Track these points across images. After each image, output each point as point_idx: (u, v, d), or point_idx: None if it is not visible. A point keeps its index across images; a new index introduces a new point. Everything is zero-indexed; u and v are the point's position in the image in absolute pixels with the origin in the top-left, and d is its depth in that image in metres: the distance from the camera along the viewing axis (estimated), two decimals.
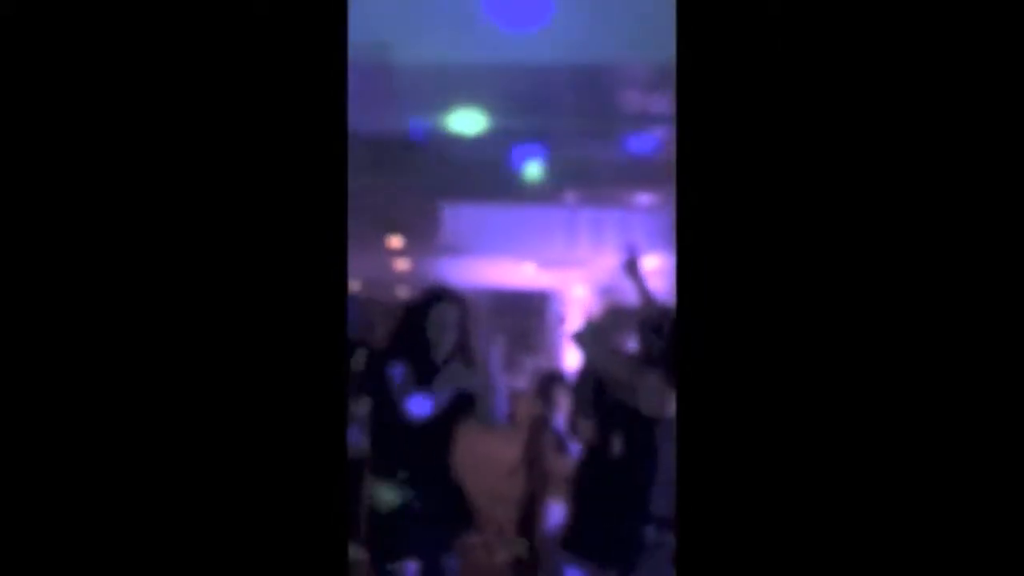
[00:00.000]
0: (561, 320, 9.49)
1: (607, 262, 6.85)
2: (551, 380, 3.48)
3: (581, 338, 2.58)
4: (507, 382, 2.44)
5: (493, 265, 8.41)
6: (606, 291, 8.55)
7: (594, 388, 2.51)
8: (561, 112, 4.25)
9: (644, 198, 6.26)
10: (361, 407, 2.88)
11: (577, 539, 2.44)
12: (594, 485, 2.48)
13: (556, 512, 3.15)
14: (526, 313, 9.95)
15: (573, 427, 2.81)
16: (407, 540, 2.35)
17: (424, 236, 7.13)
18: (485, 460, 3.53)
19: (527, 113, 4.26)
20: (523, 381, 6.77)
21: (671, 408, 2.28)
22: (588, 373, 2.56)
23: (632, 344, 2.53)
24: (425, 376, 2.32)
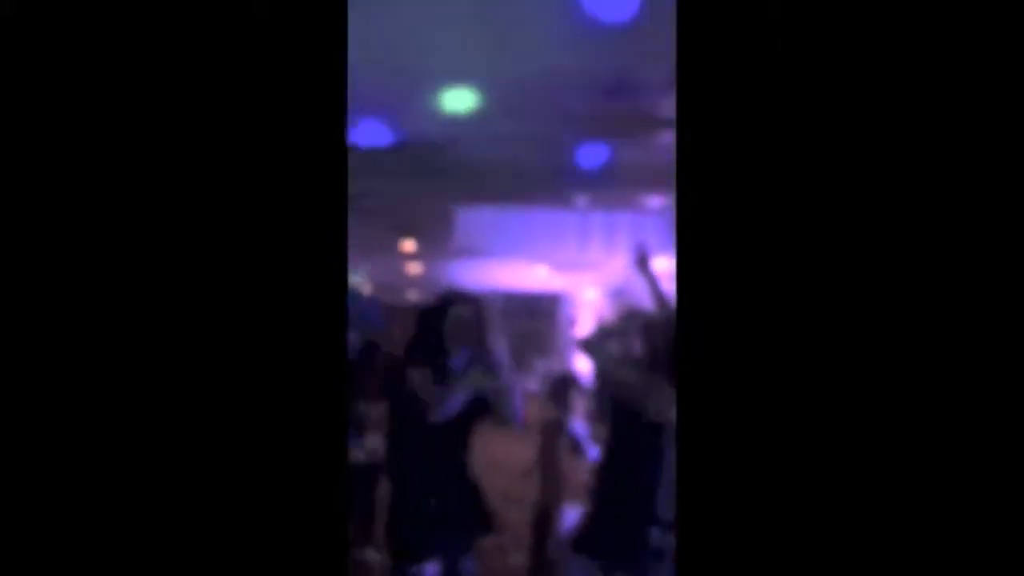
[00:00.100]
0: (572, 322, 9.49)
1: (618, 265, 6.86)
2: (565, 383, 3.50)
3: (587, 345, 2.60)
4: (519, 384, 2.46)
5: (505, 268, 8.42)
6: (617, 293, 8.54)
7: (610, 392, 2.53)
8: (569, 116, 4.26)
9: (655, 201, 6.26)
10: (379, 410, 2.91)
11: (587, 541, 2.46)
12: (603, 488, 2.50)
13: (571, 515, 3.16)
14: (537, 315, 9.96)
15: (592, 431, 2.83)
16: (425, 542, 2.36)
17: (437, 239, 7.15)
18: (499, 462, 3.55)
19: (535, 116, 4.27)
20: (534, 383, 6.79)
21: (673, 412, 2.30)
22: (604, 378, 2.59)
23: (639, 349, 2.54)
24: (443, 378, 2.34)
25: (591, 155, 4.54)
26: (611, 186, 5.54)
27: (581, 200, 6.27)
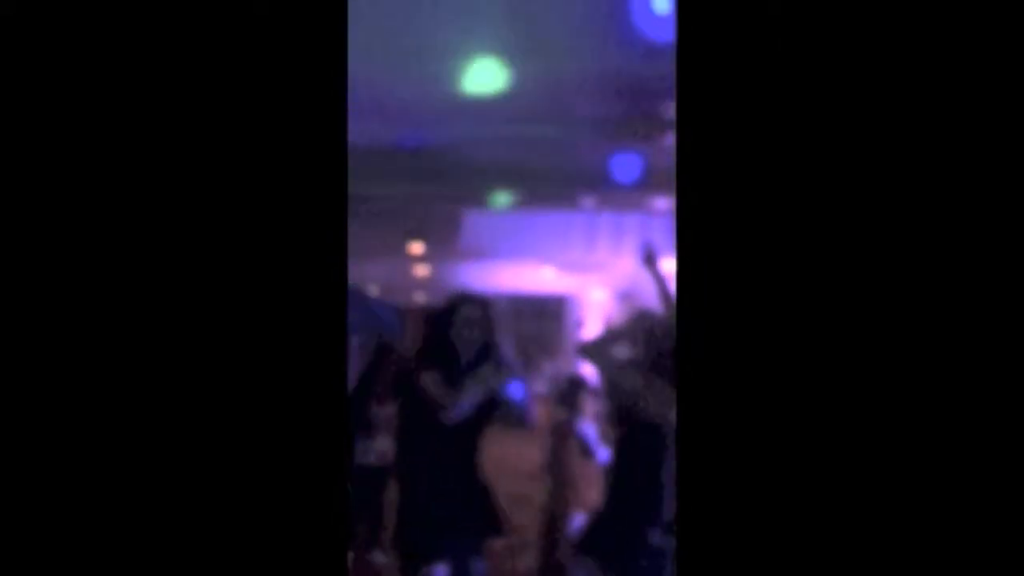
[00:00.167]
0: (580, 324, 9.49)
1: (626, 266, 6.85)
2: (574, 385, 3.50)
3: (587, 351, 2.61)
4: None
5: (512, 269, 8.43)
6: (625, 295, 8.54)
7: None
8: (578, 118, 4.26)
9: (662, 203, 6.25)
10: (389, 412, 2.92)
11: (591, 543, 2.47)
12: (607, 490, 2.50)
13: (580, 517, 3.16)
14: (545, 317, 9.96)
15: (603, 433, 2.83)
16: (434, 544, 2.37)
17: (444, 241, 7.16)
18: (508, 464, 3.55)
19: (545, 119, 4.28)
20: (542, 385, 6.79)
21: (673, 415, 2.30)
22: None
23: (640, 352, 2.54)
24: (453, 380, 2.35)
25: (626, 166, 4.47)
26: (618, 188, 5.54)
27: (588, 201, 6.27)
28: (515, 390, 2.35)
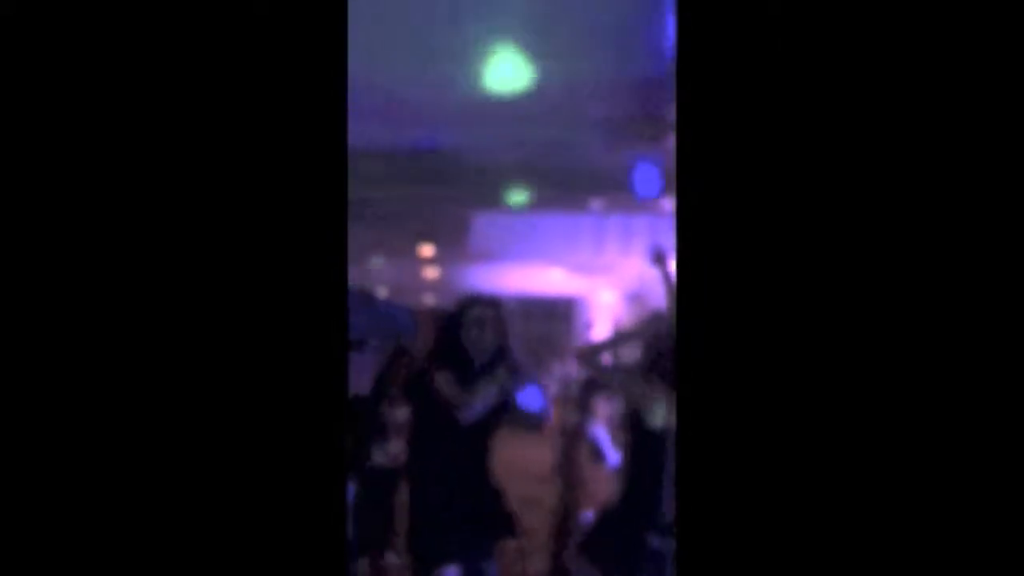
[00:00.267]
0: (589, 326, 9.49)
1: (634, 268, 6.85)
2: (586, 388, 3.51)
3: (582, 357, 2.62)
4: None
5: (522, 271, 8.44)
6: (633, 296, 8.54)
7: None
8: (589, 120, 4.27)
9: (671, 204, 6.24)
10: (401, 414, 2.93)
11: (592, 546, 2.48)
12: (611, 493, 2.52)
13: (590, 520, 3.17)
14: (554, 319, 9.97)
15: (615, 437, 2.84)
16: (446, 545, 2.38)
17: (454, 244, 7.18)
18: (519, 466, 3.56)
19: (554, 121, 4.28)
20: (552, 387, 6.79)
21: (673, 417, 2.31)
22: None
23: (639, 356, 2.55)
24: (466, 381, 2.36)
25: (648, 181, 4.40)
26: (627, 189, 5.54)
27: (597, 203, 6.28)
28: (533, 395, 2.36)
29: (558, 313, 10.14)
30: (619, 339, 2.67)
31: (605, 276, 8.45)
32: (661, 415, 2.30)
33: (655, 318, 2.57)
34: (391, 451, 3.28)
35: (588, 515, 3.22)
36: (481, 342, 2.39)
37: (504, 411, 2.39)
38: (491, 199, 6.00)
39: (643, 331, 2.56)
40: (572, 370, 7.55)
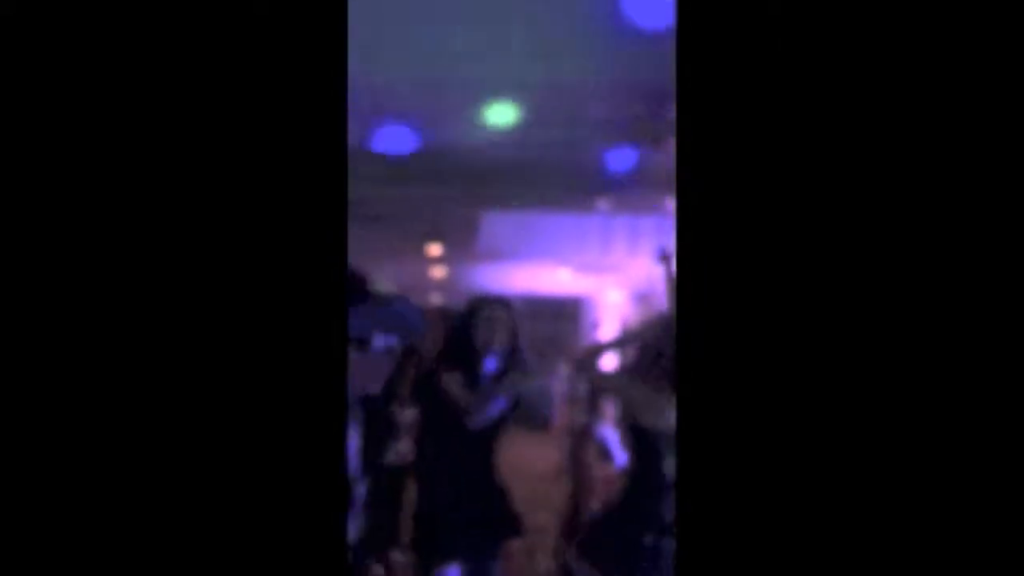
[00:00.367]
0: (596, 325, 9.48)
1: (642, 268, 6.84)
2: (595, 388, 3.50)
3: (580, 363, 2.62)
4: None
5: (529, 271, 8.44)
6: (641, 297, 8.52)
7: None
8: (595, 120, 4.27)
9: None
10: (408, 414, 2.93)
11: (593, 546, 2.48)
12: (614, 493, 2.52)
13: (598, 519, 3.17)
14: (561, 319, 9.95)
15: (621, 436, 2.84)
16: (451, 544, 2.38)
17: (462, 243, 7.18)
18: (525, 465, 3.56)
19: (562, 122, 4.29)
20: (559, 387, 6.78)
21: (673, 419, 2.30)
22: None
23: (638, 359, 2.54)
24: (475, 382, 2.36)
25: (620, 159, 4.53)
26: (635, 190, 5.54)
27: (605, 203, 6.27)
28: (543, 397, 2.36)
29: (565, 313, 10.14)
30: (618, 341, 2.66)
31: (612, 276, 8.44)
32: (661, 416, 2.30)
33: (655, 318, 2.57)
34: (400, 450, 3.29)
35: (597, 515, 3.22)
36: (491, 345, 2.39)
37: (513, 412, 2.40)
38: (499, 199, 6.01)
39: (643, 332, 2.56)
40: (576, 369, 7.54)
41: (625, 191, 5.63)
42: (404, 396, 2.49)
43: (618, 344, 2.67)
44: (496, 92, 3.97)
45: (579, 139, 4.47)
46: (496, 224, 6.74)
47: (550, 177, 5.29)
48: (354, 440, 1.85)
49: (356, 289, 1.95)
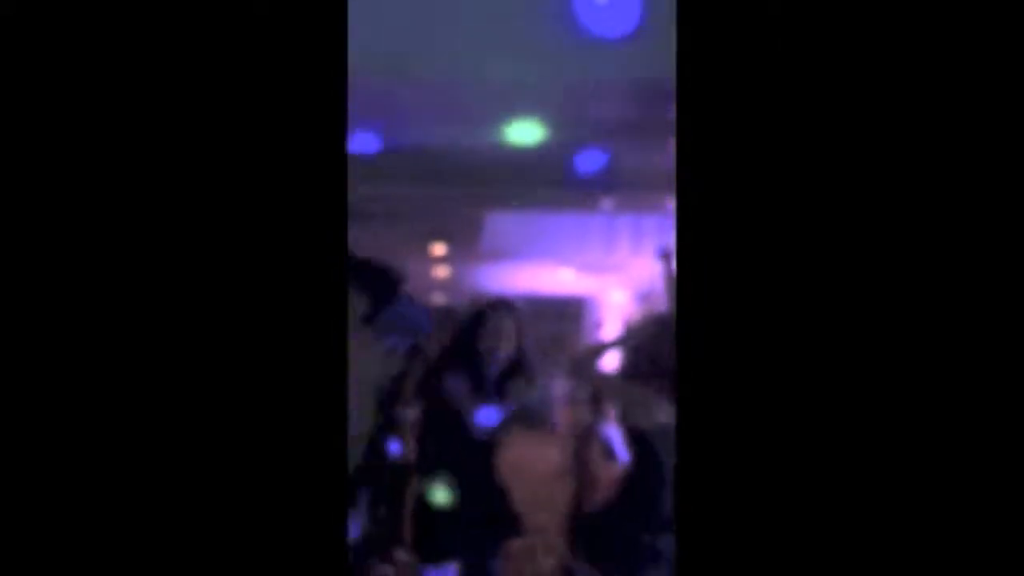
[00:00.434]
0: (599, 325, 9.48)
1: (645, 267, 6.83)
2: (598, 388, 3.50)
3: (577, 366, 2.62)
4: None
5: (532, 271, 8.43)
6: (644, 296, 8.51)
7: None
8: (596, 121, 4.27)
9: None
10: (412, 414, 2.94)
11: (593, 546, 2.48)
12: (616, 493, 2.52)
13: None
14: (565, 319, 9.95)
15: (626, 436, 2.85)
16: (453, 543, 2.39)
17: (466, 243, 7.18)
18: (527, 465, 3.56)
19: (564, 122, 4.28)
20: (563, 387, 6.78)
21: (671, 419, 2.30)
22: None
23: (637, 360, 2.55)
24: (479, 384, 2.36)
25: (589, 160, 4.55)
26: (637, 190, 5.53)
27: (607, 203, 6.26)
28: (545, 405, 2.38)
29: (568, 313, 10.13)
30: (614, 343, 2.66)
31: (615, 276, 8.43)
32: (660, 416, 2.30)
33: (650, 319, 2.57)
34: (403, 449, 3.29)
35: (596, 515, 3.22)
36: (497, 351, 2.39)
37: (518, 412, 2.40)
38: (503, 199, 6.00)
39: (638, 333, 2.56)
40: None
41: (627, 191, 5.62)
42: (408, 395, 2.50)
43: (614, 346, 2.67)
44: (497, 92, 3.97)
45: (580, 139, 4.47)
46: (500, 224, 6.74)
47: (552, 177, 5.29)
48: (356, 440, 1.85)
49: (390, 289, 1.96)
